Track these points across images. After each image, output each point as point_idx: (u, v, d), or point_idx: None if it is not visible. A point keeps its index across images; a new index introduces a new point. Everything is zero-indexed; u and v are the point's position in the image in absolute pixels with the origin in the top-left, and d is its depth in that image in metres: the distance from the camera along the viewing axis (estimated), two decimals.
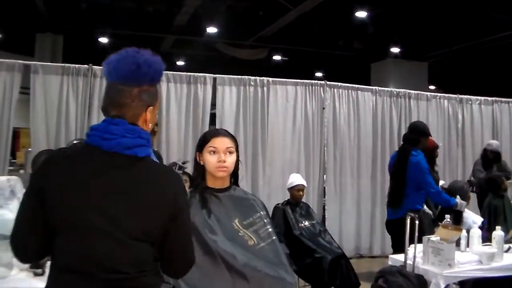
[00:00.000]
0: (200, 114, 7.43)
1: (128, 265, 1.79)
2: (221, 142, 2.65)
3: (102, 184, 1.79)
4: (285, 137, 7.85)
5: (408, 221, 4.39)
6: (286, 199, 6.07)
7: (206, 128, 7.27)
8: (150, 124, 1.94)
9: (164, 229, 1.85)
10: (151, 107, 1.93)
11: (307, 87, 8.04)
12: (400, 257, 4.50)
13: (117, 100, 1.87)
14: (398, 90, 8.75)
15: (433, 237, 4.38)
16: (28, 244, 1.85)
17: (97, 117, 6.98)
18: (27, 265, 3.30)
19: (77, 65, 7.06)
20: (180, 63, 17.07)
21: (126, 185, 1.81)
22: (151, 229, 1.82)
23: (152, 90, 1.94)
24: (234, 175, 2.79)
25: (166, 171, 1.98)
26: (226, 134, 2.73)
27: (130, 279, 1.79)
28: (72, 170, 1.82)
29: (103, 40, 14.23)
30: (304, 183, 6.11)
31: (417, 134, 5.61)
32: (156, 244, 1.86)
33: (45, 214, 1.79)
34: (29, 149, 7.60)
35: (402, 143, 5.78)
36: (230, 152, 2.65)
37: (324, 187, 8.04)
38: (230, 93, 7.64)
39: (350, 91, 8.27)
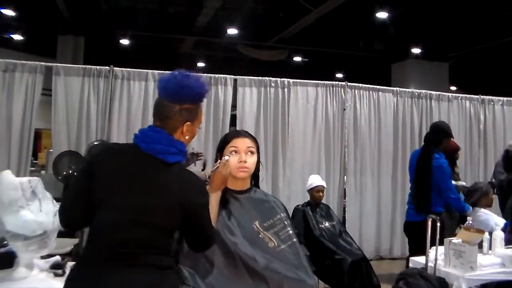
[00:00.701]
0: (220, 116, 7.44)
1: (139, 246, 2.09)
2: (242, 142, 2.66)
3: (133, 175, 2.16)
4: (306, 138, 7.82)
5: (430, 223, 4.34)
6: (306, 201, 6.04)
7: (227, 130, 7.27)
8: (187, 136, 2.28)
9: (180, 222, 2.17)
10: (189, 123, 2.26)
11: (327, 88, 8.01)
12: (421, 259, 4.45)
13: (161, 112, 2.24)
14: (419, 91, 8.67)
15: (455, 239, 4.33)
16: (74, 212, 2.23)
17: (118, 119, 7.04)
18: (47, 266, 3.33)
19: (98, 67, 7.11)
20: (200, 64, 17.12)
21: (151, 181, 2.15)
22: (166, 221, 2.14)
23: (192, 109, 2.28)
24: (255, 177, 2.79)
25: (188, 176, 2.23)
26: (247, 135, 2.74)
27: (137, 256, 2.09)
28: (116, 159, 2.22)
29: (124, 41, 14.34)
30: (324, 184, 6.08)
31: (439, 134, 5.55)
32: (173, 233, 2.23)
33: (90, 189, 2.16)
34: (51, 150, 7.66)
35: (423, 143, 5.72)
36: (251, 152, 2.66)
37: (345, 188, 7.99)
38: (251, 94, 7.64)
39: (371, 92, 8.22)
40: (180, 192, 2.15)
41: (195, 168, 5.09)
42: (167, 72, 6.92)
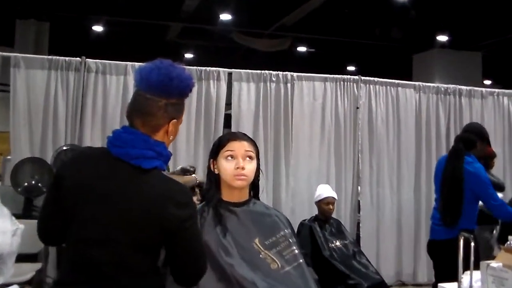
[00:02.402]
0: (212, 116, 7.45)
1: (112, 267, 2.14)
2: (240, 146, 2.67)
3: (102, 186, 2.18)
4: (312, 142, 7.83)
5: (462, 242, 4.30)
6: (314, 215, 6.05)
7: (220, 132, 7.30)
8: (171, 137, 2.31)
9: (160, 241, 2.21)
10: (175, 120, 2.29)
11: (337, 83, 8.02)
12: (452, 286, 4.42)
13: (143, 108, 2.24)
14: (446, 85, 8.67)
15: (494, 263, 4.28)
16: (50, 227, 2.33)
17: (91, 120, 7.03)
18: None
19: (67, 58, 7.10)
20: (188, 55, 17.09)
21: (122, 192, 2.17)
22: (142, 239, 2.17)
23: (179, 104, 2.31)
24: (254, 187, 2.80)
25: (167, 184, 2.25)
26: (245, 137, 2.75)
27: (111, 280, 2.14)
28: (85, 167, 2.25)
29: (98, 28, 14.27)
30: (335, 195, 6.09)
31: (474, 136, 5.39)
32: (155, 253, 2.24)
33: (60, 202, 2.23)
34: (8, 157, 7.61)
35: (452, 147, 5.56)
36: (250, 158, 2.66)
37: (359, 201, 8.00)
38: (248, 91, 7.65)
39: (388, 87, 8.23)
40: (157, 204, 2.17)
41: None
42: None
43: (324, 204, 5.99)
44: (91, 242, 2.15)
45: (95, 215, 2.16)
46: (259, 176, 2.77)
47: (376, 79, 8.21)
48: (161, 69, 2.24)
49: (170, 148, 2.36)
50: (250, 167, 2.66)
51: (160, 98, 2.23)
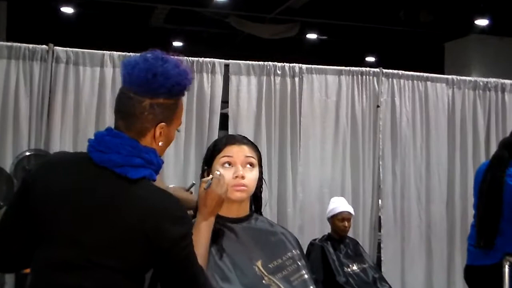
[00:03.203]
0: (206, 115, 7.44)
1: None
2: (239, 151, 2.69)
3: (81, 198, 2.19)
4: (325, 146, 7.82)
5: (507, 269, 4.28)
6: (326, 233, 6.05)
7: (215, 135, 7.28)
8: (161, 142, 2.33)
9: (149, 265, 2.25)
10: (163, 124, 2.31)
11: (354, 77, 8.01)
12: None
13: (125, 108, 2.29)
14: (485, 79, 8.65)
15: None
16: (7, 250, 2.32)
17: (61, 119, 6.98)
18: None
19: (31, 45, 7.04)
20: (177, 43, 17.05)
21: (105, 206, 2.19)
22: (127, 262, 2.19)
23: (169, 105, 2.32)
24: (256, 200, 2.82)
25: (157, 196, 2.26)
26: (245, 141, 2.78)
27: None
28: (61, 177, 2.26)
29: (68, 10, 14.23)
30: (351, 210, 6.11)
31: None
32: (139, 279, 2.26)
33: (27, 219, 2.24)
34: None
35: (495, 152, 5.41)
36: (251, 165, 2.68)
37: (379, 217, 7.99)
38: (248, 86, 7.65)
39: (415, 82, 8.22)
40: (146, 219, 2.17)
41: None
42: (130, 54, 6.89)
43: (338, 221, 6.00)
44: (64, 266, 2.14)
45: (70, 234, 2.16)
46: (261, 186, 2.80)
47: (400, 72, 8.19)
48: (147, 62, 2.27)
49: None
50: (251, 176, 2.69)
51: (143, 98, 2.27)
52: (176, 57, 2.35)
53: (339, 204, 6.16)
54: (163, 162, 2.38)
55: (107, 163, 2.21)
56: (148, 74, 2.24)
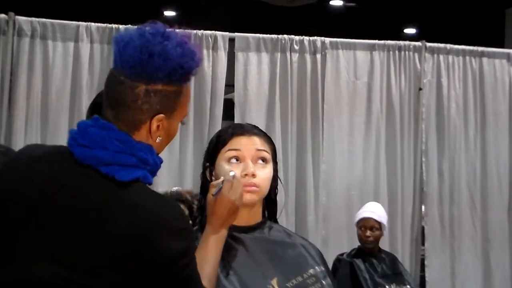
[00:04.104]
0: (207, 101, 7.44)
1: None
2: (248, 143, 2.69)
3: (58, 205, 2.15)
4: (353, 139, 7.83)
5: None
6: (356, 247, 6.07)
7: (218, 125, 7.30)
8: (159, 137, 2.28)
9: (137, 286, 2.15)
10: (161, 116, 2.25)
11: (391, 52, 8.02)
12: None
13: (114, 95, 2.24)
14: None
15: None
16: None
17: (25, 106, 6.99)
18: None
19: None
20: (169, 13, 17.05)
21: (86, 215, 2.13)
22: (114, 283, 2.12)
23: (169, 92, 2.25)
24: (270, 204, 2.81)
25: (153, 204, 2.20)
26: (256, 131, 2.77)
27: None
28: (32, 176, 2.22)
29: None
30: (377, 216, 6.09)
31: None
32: None
33: None
34: None
35: None
36: (263, 160, 2.68)
37: (423, 227, 8.00)
38: (259, 65, 7.64)
39: (467, 58, 8.21)
40: (135, 232, 2.12)
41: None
42: (112, 26, 6.91)
43: (360, 229, 6.03)
44: (33, 286, 2.11)
45: (44, 249, 2.12)
46: (276, 187, 2.78)
47: (448, 45, 8.17)
48: (142, 38, 2.21)
49: None
50: (263, 174, 2.68)
51: (137, 83, 2.21)
52: (182, 31, 2.29)
53: (363, 209, 6.18)
54: (161, 162, 2.33)
55: (91, 160, 2.16)
56: (143, 54, 2.17)
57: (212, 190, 2.56)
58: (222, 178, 2.57)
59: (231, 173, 2.59)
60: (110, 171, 2.14)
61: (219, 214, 2.52)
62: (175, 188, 4.80)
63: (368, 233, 5.94)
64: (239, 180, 2.58)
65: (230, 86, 7.60)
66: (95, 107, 2.38)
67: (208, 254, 2.44)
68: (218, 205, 2.52)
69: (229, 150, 2.68)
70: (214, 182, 2.60)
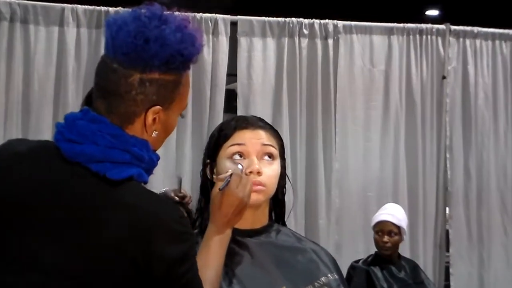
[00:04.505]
0: (206, 93, 7.43)
1: None
2: (253, 137, 2.70)
3: (44, 207, 2.15)
4: (369, 133, 7.84)
5: None
6: (373, 253, 6.08)
7: (219, 118, 7.31)
8: (155, 132, 2.29)
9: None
10: (158, 107, 2.25)
11: (411, 37, 8.01)
12: None
13: (106, 84, 2.24)
14: None
15: None
16: None
17: (4, 98, 6.98)
18: None
19: None
20: None
21: (75, 218, 2.14)
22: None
23: (166, 81, 2.26)
24: (277, 205, 2.82)
25: (149, 204, 2.21)
26: (262, 124, 2.77)
27: None
28: (13, 175, 2.23)
29: None
30: (397, 218, 6.08)
31: None
32: None
33: None
34: None
35: None
36: (270, 156, 2.68)
37: (447, 231, 7.98)
38: (264, 51, 7.64)
39: (496, 42, 8.21)
40: (130, 237, 2.12)
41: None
42: (101, 9, 6.93)
43: (377, 233, 6.03)
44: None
45: (30, 256, 2.13)
46: (285, 186, 2.78)
47: (475, 28, 8.16)
48: (137, 21, 2.20)
49: None
50: (270, 171, 2.70)
51: (131, 71, 2.20)
52: (181, 14, 2.29)
53: (381, 212, 6.17)
54: (158, 159, 2.35)
55: (80, 157, 2.16)
56: (138, 39, 2.17)
57: (219, 184, 2.55)
58: (230, 171, 2.57)
59: (239, 166, 2.60)
60: (101, 169, 2.14)
61: (224, 212, 2.51)
62: (162, 190, 4.82)
63: (386, 238, 5.93)
64: (247, 176, 2.58)
65: (232, 75, 7.58)
66: (90, 100, 2.37)
67: (210, 257, 2.43)
68: (225, 202, 2.51)
69: (232, 145, 2.69)
70: (221, 176, 2.60)
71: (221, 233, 2.50)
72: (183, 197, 4.49)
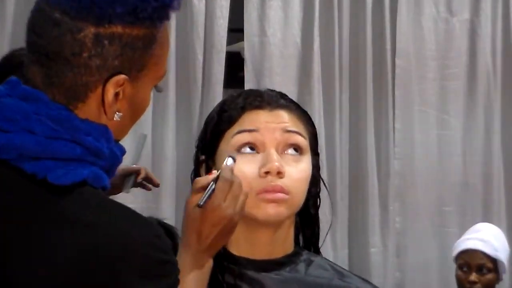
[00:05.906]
0: (198, 55, 7.49)
1: None
2: (272, 120, 2.67)
3: None
4: (447, 116, 7.83)
5: None
6: None
7: (217, 95, 7.38)
8: (117, 114, 2.20)
9: None
10: (123, 77, 2.16)
11: None
12: None
13: (44, 44, 2.15)
14: None
15: None
16: None
17: None
18: None
19: None
20: None
21: (6, 242, 2.06)
22: None
23: (133, 38, 2.18)
24: (308, 222, 2.78)
25: (118, 221, 2.13)
26: (284, 102, 2.73)
27: None
28: None
29: None
30: (491, 247, 6.08)
31: None
32: None
33: None
34: None
35: None
36: (297, 149, 2.64)
37: None
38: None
39: None
40: (83, 272, 2.04)
41: None
42: None
43: (459, 269, 6.04)
44: None
45: None
46: (318, 194, 2.75)
47: None
48: None
49: None
50: (296, 172, 2.66)
51: (82, 23, 2.11)
52: None
53: (466, 236, 6.17)
54: (123, 153, 2.28)
55: (7, 152, 2.08)
56: None
57: (197, 198, 2.45)
58: (214, 173, 2.46)
59: (229, 160, 2.49)
60: (40, 169, 2.05)
61: (205, 233, 2.46)
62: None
63: (475, 276, 5.93)
64: (240, 179, 2.47)
65: (237, 31, 7.54)
66: (9, 70, 2.28)
67: None
68: (206, 219, 2.43)
69: (239, 132, 2.62)
70: (200, 180, 2.48)
71: (199, 263, 2.46)
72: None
